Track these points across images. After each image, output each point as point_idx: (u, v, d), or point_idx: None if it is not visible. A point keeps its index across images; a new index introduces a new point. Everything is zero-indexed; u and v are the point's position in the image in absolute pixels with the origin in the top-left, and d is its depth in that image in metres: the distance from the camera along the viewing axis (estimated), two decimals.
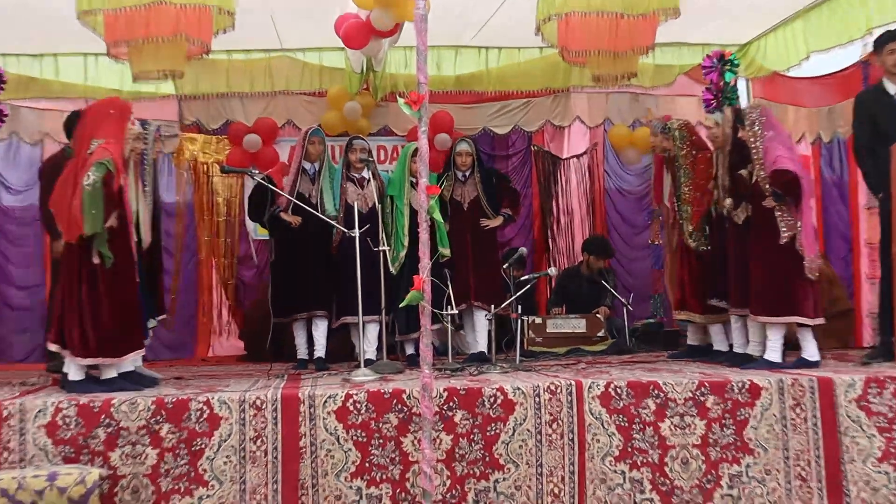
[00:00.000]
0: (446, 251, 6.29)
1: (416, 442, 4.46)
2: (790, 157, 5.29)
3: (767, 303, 5.28)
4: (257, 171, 6.09)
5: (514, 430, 4.54)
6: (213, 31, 5.65)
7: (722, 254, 5.69)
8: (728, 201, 5.57)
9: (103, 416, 4.33)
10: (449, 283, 5.85)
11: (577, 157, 8.75)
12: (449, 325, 5.91)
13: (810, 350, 5.32)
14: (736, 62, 6.89)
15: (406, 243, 6.18)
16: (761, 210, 5.33)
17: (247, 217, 7.93)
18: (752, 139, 5.36)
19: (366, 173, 6.30)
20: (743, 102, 7.80)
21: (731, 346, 5.91)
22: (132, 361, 5.08)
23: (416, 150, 6.13)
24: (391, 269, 6.06)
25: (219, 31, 5.71)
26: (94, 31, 5.77)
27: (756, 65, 7.84)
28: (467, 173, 6.55)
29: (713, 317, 5.92)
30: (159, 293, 5.72)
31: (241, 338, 7.79)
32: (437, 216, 4.01)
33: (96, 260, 4.69)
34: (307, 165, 6.29)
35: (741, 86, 7.93)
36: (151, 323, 5.51)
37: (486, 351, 6.32)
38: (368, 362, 5.84)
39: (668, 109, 8.54)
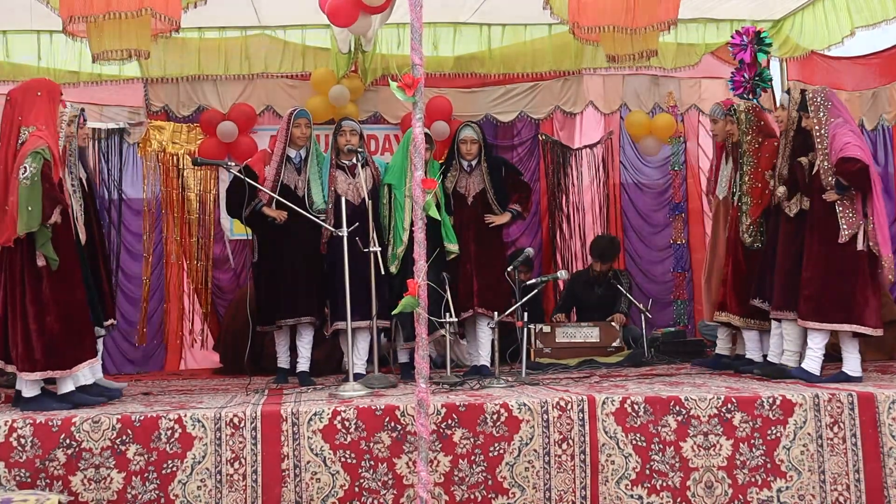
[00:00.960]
0: (454, 247, 6.30)
1: (411, 464, 4.47)
2: (859, 145, 5.28)
3: (819, 307, 5.28)
4: (233, 164, 6.11)
5: (520, 451, 4.54)
6: (183, 5, 5.64)
7: (772, 250, 5.71)
8: (781, 189, 5.59)
9: (63, 437, 4.34)
10: (447, 287, 5.86)
11: (590, 147, 8.74)
12: (448, 335, 5.93)
13: (852, 364, 5.33)
14: (768, 40, 6.93)
15: (406, 239, 6.15)
16: (820, 204, 5.34)
17: (222, 215, 8.00)
18: (816, 126, 5.37)
19: (357, 159, 6.26)
20: (777, 86, 7.89)
21: (764, 356, 5.94)
22: (91, 372, 5.10)
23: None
24: (390, 267, 6.07)
25: (189, 7, 5.70)
26: (47, 5, 5.75)
27: (791, 43, 7.85)
28: (473, 163, 6.51)
29: (752, 321, 5.95)
30: (106, 295, 5.69)
31: (217, 349, 7.83)
32: (434, 213, 4.08)
33: (41, 262, 4.68)
34: (292, 153, 6.26)
35: (775, 67, 8.01)
36: (100, 331, 5.50)
37: (488, 363, 6.33)
38: (358, 375, 5.86)
39: (693, 93, 8.58)
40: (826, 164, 5.31)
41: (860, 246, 5.25)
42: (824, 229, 5.32)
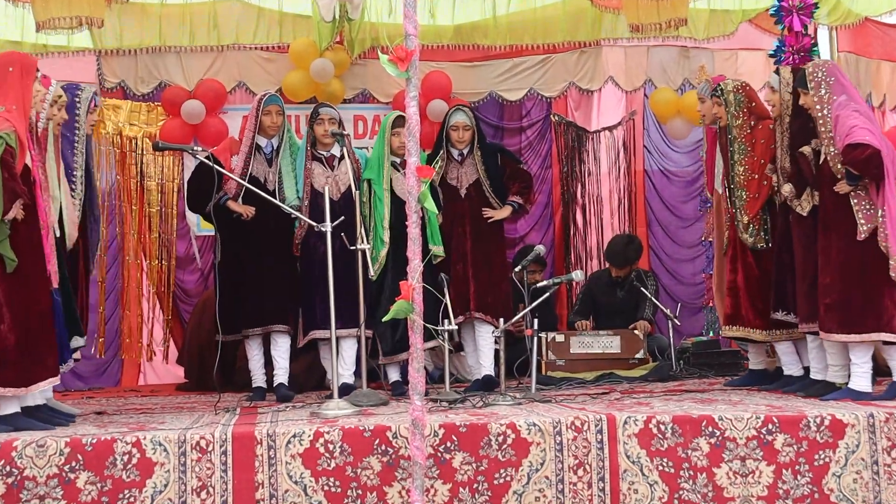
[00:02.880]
0: (439, 250, 6.33)
1: (404, 493, 4.45)
2: (867, 128, 5.23)
3: (841, 316, 5.26)
4: (200, 149, 6.14)
5: (529, 478, 4.53)
6: None
7: (787, 254, 5.72)
8: (787, 188, 5.59)
9: (2, 463, 4.33)
10: (446, 290, 5.87)
11: (610, 129, 8.76)
12: (446, 344, 5.92)
13: None
14: (816, 5, 6.91)
15: (387, 239, 6.21)
16: (832, 198, 5.32)
17: (187, 207, 7.97)
18: (817, 106, 5.35)
19: (336, 150, 6.30)
20: (825, 57, 7.86)
21: (806, 369, 5.93)
22: (41, 392, 5.09)
23: (398, 119, 6.28)
24: (370, 272, 6.09)
25: None
26: None
27: (842, 9, 7.86)
28: (465, 151, 6.52)
29: (779, 333, 5.92)
30: (82, 305, 5.73)
31: (181, 361, 7.85)
32: (430, 205, 4.04)
33: None
34: (262, 141, 6.28)
35: (823, 36, 7.99)
36: (77, 342, 5.51)
37: (491, 371, 6.35)
38: (344, 391, 5.84)
39: (728, 67, 8.56)
40: (832, 149, 5.28)
41: (881, 242, 5.20)
42: (839, 226, 5.28)
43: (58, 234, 5.16)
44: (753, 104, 6.02)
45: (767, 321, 5.91)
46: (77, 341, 5.52)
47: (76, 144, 5.48)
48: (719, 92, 6.06)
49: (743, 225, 5.95)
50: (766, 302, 5.89)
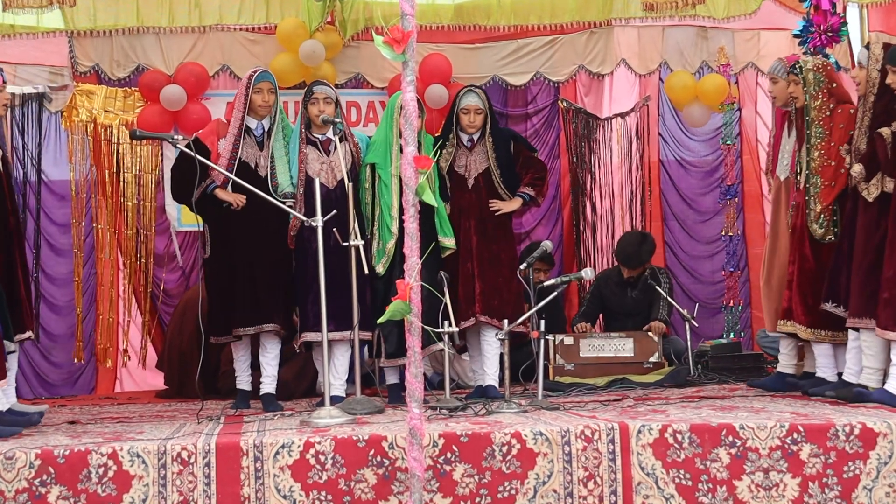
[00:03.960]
0: (450, 241, 6.35)
1: None
2: None
3: None
4: (181, 137, 6.14)
5: (536, 492, 4.53)
6: None
7: (847, 243, 5.73)
8: (857, 168, 5.58)
9: None
10: (445, 289, 5.88)
11: (622, 116, 8.75)
12: (446, 348, 5.95)
13: None
14: None
15: (395, 230, 6.19)
16: None
17: (166, 201, 7.98)
18: None
19: (333, 133, 6.27)
20: (855, 37, 7.86)
21: (839, 375, 5.93)
22: (5, 397, 5.06)
23: None
24: (376, 267, 6.11)
25: None
26: None
27: None
28: (476, 136, 6.54)
29: (822, 333, 5.94)
30: (22, 302, 5.64)
31: (160, 367, 7.84)
32: (430, 198, 4.05)
33: None
34: (252, 123, 6.27)
35: (854, 15, 7.98)
36: (9, 346, 5.45)
37: (496, 382, 6.38)
38: (336, 398, 5.85)
39: (750, 49, 8.58)
40: None
41: None
42: None
43: None
44: (834, 85, 5.98)
45: (814, 318, 5.92)
46: (7, 346, 5.42)
47: None
48: (798, 70, 6.03)
49: (815, 214, 5.91)
50: (816, 298, 5.89)
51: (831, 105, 5.93)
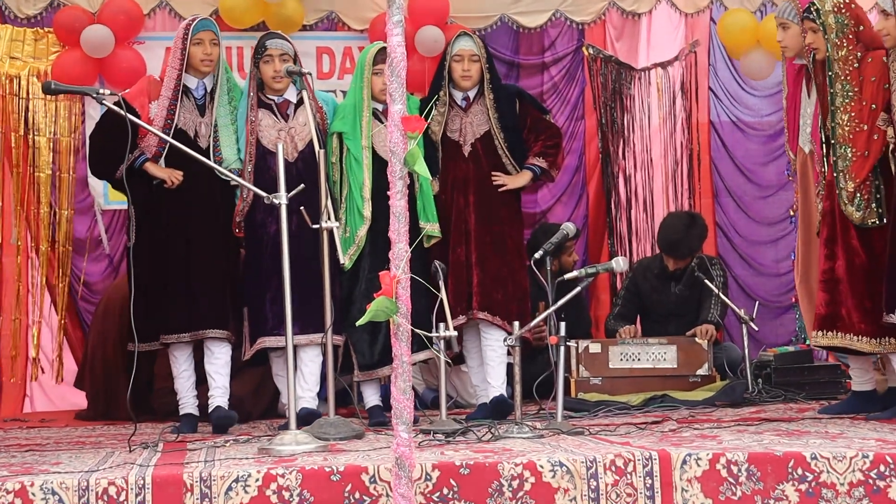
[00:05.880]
0: (435, 228, 6.40)
1: None
2: None
3: None
4: (107, 92, 5.98)
5: None
6: None
7: None
8: (892, 132, 5.68)
9: None
10: (442, 283, 5.94)
11: (663, 66, 8.81)
12: (442, 356, 5.91)
13: None
14: None
15: (368, 214, 6.23)
16: None
17: (90, 171, 7.88)
18: None
19: (293, 94, 6.26)
20: None
21: None
22: None
23: (381, 53, 6.31)
24: (342, 259, 6.05)
25: None
26: None
27: None
28: (471, 94, 6.55)
29: (891, 341, 5.86)
30: None
31: (81, 381, 7.81)
32: (423, 169, 4.01)
33: None
34: (191, 82, 6.33)
35: None
36: None
37: (504, 399, 6.37)
38: (305, 420, 5.81)
39: None
40: None
41: None
42: None
43: None
44: (862, 28, 5.93)
45: (878, 325, 5.83)
46: None
47: None
48: (813, 14, 5.98)
49: (847, 194, 5.86)
50: (875, 298, 5.81)
51: (858, 54, 5.90)
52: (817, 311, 6.10)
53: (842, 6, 5.94)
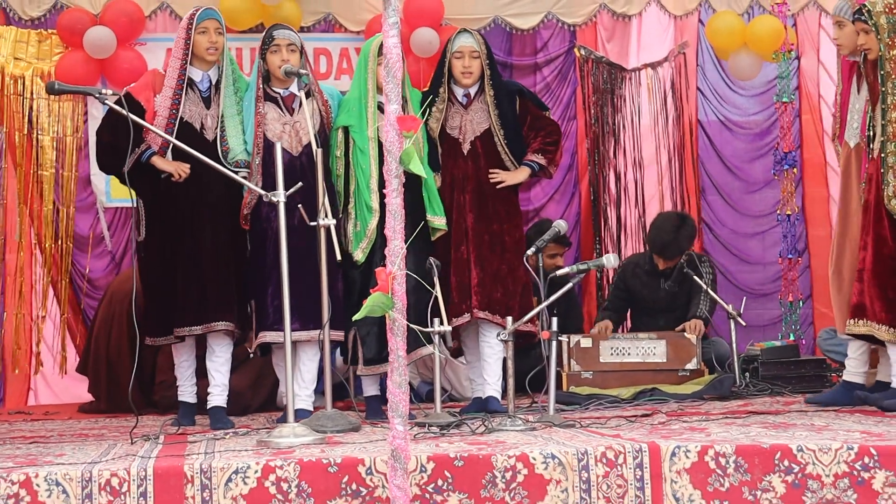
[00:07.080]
0: (440, 220, 6.39)
1: None
2: None
3: None
4: (110, 91, 6.00)
5: None
6: None
7: None
8: None
9: None
10: (436, 279, 5.91)
11: (653, 67, 8.83)
12: (437, 352, 5.92)
13: None
14: None
15: (376, 206, 6.19)
16: None
17: (92, 170, 8.04)
18: None
19: (297, 88, 6.24)
20: None
21: None
22: None
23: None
24: (353, 252, 6.16)
25: None
26: None
27: None
28: (472, 90, 6.56)
29: None
30: None
31: (84, 374, 7.81)
32: (418, 168, 4.01)
33: None
34: (196, 74, 6.28)
35: None
36: None
37: (497, 393, 6.43)
38: (303, 412, 5.86)
39: None
40: None
41: None
42: None
43: None
44: None
45: (895, 315, 5.94)
46: None
47: None
48: (865, 15, 6.03)
49: (893, 188, 5.92)
50: None
51: None
52: (851, 300, 6.15)
53: (893, 6, 5.97)
